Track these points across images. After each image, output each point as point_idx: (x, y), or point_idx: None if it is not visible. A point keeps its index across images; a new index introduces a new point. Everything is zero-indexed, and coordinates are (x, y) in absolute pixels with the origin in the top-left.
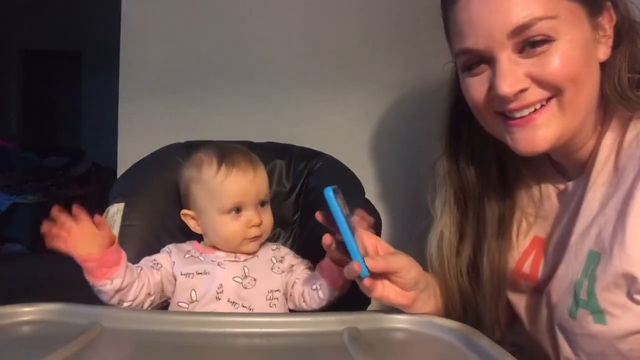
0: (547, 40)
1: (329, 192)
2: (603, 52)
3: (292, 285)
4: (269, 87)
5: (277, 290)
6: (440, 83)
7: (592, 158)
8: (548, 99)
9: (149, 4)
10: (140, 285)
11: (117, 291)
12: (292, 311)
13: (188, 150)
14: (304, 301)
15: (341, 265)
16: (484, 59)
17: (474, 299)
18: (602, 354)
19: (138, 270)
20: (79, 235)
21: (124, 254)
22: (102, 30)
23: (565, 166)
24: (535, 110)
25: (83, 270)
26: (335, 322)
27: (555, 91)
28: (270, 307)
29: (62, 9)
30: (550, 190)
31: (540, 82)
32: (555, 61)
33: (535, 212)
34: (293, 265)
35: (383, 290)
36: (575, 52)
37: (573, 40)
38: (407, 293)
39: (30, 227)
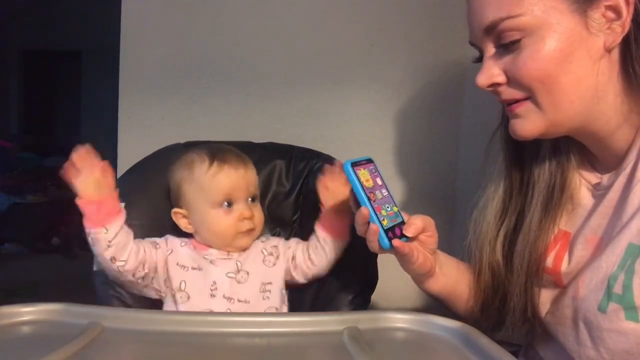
0: (515, 38)
1: (346, 166)
2: (606, 40)
3: (293, 257)
4: (269, 87)
5: (270, 283)
6: (440, 83)
7: (636, 150)
8: (524, 99)
9: (149, 4)
10: (136, 249)
11: (111, 243)
12: (303, 286)
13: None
14: (312, 263)
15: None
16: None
17: (504, 281)
18: (627, 352)
19: (137, 241)
20: (85, 176)
21: (123, 212)
22: (102, 30)
23: (599, 157)
24: (513, 102)
25: (83, 217)
26: (335, 321)
27: (527, 92)
28: (264, 299)
29: (62, 9)
30: (579, 182)
31: (513, 79)
32: (524, 60)
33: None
34: (290, 247)
35: (412, 249)
36: (547, 50)
37: (547, 36)
38: (431, 258)
39: (30, 227)
